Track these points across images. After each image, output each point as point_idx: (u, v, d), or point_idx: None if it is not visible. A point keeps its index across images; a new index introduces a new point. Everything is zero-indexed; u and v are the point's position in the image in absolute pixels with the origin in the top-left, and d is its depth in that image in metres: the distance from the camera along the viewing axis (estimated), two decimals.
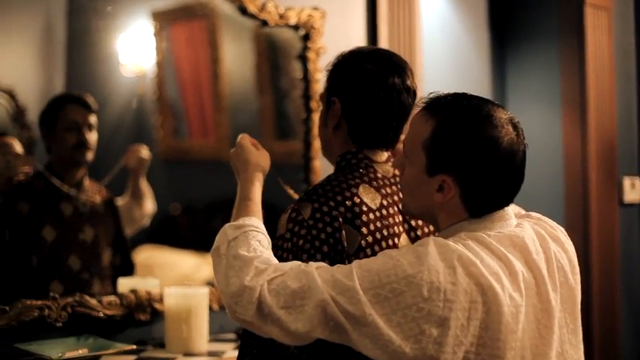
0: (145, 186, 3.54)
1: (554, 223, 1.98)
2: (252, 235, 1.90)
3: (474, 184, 1.80)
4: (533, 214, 1.99)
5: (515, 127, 1.83)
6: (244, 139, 2.26)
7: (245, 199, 2.06)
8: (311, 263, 1.82)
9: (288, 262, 1.84)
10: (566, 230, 2.01)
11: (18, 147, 3.28)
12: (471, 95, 1.88)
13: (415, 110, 1.95)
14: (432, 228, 2.15)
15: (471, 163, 1.79)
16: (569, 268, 1.90)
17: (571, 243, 1.97)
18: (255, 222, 1.96)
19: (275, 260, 1.86)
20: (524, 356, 1.75)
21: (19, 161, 3.12)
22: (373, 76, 2.13)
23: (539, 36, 4.74)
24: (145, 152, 3.51)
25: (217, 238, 1.95)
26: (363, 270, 1.73)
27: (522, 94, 4.75)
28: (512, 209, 1.93)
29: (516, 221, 1.90)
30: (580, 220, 4.49)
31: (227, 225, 1.96)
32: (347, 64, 2.19)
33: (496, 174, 1.80)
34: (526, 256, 1.81)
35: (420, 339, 1.65)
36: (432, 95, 1.89)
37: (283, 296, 1.74)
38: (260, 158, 2.19)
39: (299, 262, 1.83)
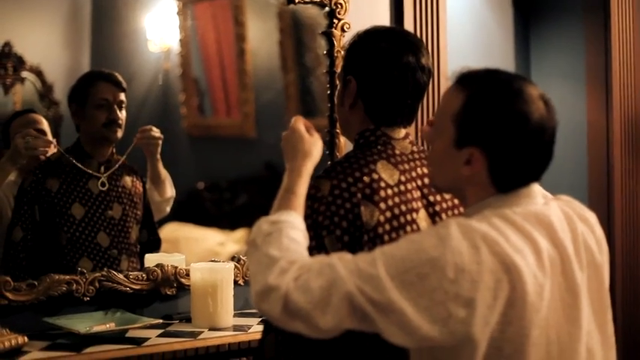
0: (163, 170, 3.53)
1: (585, 207, 1.97)
2: (285, 232, 1.86)
3: (502, 158, 1.79)
4: (563, 196, 1.98)
5: (546, 103, 1.83)
6: (298, 122, 2.12)
7: (288, 191, 1.98)
8: (334, 254, 1.81)
9: (313, 258, 1.83)
10: (590, 208, 2.00)
11: (45, 125, 3.31)
12: (503, 71, 1.88)
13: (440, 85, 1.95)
14: (449, 203, 2.16)
15: (500, 137, 1.78)
16: (597, 248, 1.90)
17: (600, 228, 1.96)
18: (292, 217, 1.91)
19: (305, 256, 1.85)
20: (549, 335, 1.74)
21: (44, 142, 3.14)
22: (388, 55, 2.15)
23: (563, 12, 4.72)
24: (155, 132, 3.48)
25: (253, 230, 1.91)
26: (386, 256, 1.72)
27: (546, 72, 4.74)
28: (539, 191, 1.92)
29: (543, 200, 1.89)
30: (604, 198, 4.48)
31: (263, 219, 1.92)
32: (362, 43, 2.21)
33: (525, 148, 1.79)
34: (552, 234, 1.80)
35: (447, 321, 1.65)
36: (463, 70, 1.89)
37: (309, 292, 1.72)
38: (312, 146, 2.08)
39: (323, 256, 1.82)
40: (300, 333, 1.78)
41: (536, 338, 1.72)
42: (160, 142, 3.47)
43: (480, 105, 1.79)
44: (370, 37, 2.21)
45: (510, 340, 1.70)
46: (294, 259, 1.80)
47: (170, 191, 3.56)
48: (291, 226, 1.88)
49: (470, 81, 1.84)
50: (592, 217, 1.94)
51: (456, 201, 2.18)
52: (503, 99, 1.79)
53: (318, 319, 1.72)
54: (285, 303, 1.74)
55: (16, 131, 3.19)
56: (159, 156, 3.49)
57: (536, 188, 1.87)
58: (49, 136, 3.26)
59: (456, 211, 2.17)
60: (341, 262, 1.75)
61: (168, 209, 3.59)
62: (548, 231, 1.79)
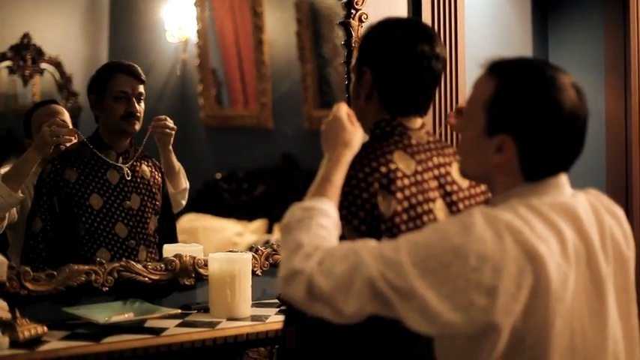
0: (176, 162, 3.51)
1: (613, 202, 1.95)
2: (316, 219, 1.87)
3: (533, 146, 1.78)
4: (592, 190, 1.97)
5: (578, 91, 1.82)
6: (341, 110, 2.11)
7: (325, 179, 1.98)
8: (359, 240, 1.82)
9: (338, 244, 1.84)
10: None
11: (67, 116, 3.32)
12: (536, 59, 1.88)
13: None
14: (467, 193, 2.16)
15: (532, 124, 1.77)
16: (624, 242, 1.89)
17: (628, 223, 1.95)
18: (325, 205, 1.91)
19: (333, 242, 1.86)
20: (573, 325, 1.74)
21: (69, 130, 3.16)
22: (402, 44, 2.16)
23: (582, 2, 4.69)
24: (169, 122, 3.45)
25: (286, 215, 1.92)
26: (410, 244, 1.72)
27: (565, 62, 4.71)
28: (567, 182, 1.91)
29: (571, 192, 1.88)
30: (622, 189, 4.46)
31: (296, 205, 1.93)
32: (376, 34, 2.22)
33: (556, 136, 1.78)
34: (578, 225, 1.79)
35: (469, 309, 1.65)
36: (495, 58, 1.88)
37: (333, 277, 1.74)
38: (353, 136, 2.08)
39: (347, 242, 1.83)
40: (324, 319, 1.78)
41: (560, 328, 1.71)
42: (173, 132, 3.45)
43: (512, 92, 1.79)
44: (384, 27, 2.21)
45: (533, 330, 1.69)
46: (320, 244, 1.81)
47: (184, 183, 3.55)
48: (323, 213, 1.89)
49: (502, 68, 1.83)
50: (620, 211, 1.93)
51: (474, 191, 2.18)
52: (535, 86, 1.78)
53: (341, 303, 1.73)
54: (308, 287, 1.75)
55: (39, 122, 3.21)
56: (171, 147, 3.48)
57: (565, 179, 1.86)
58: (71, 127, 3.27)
59: (473, 201, 2.17)
60: (365, 247, 1.76)
61: (183, 202, 3.58)
62: (575, 222, 1.79)
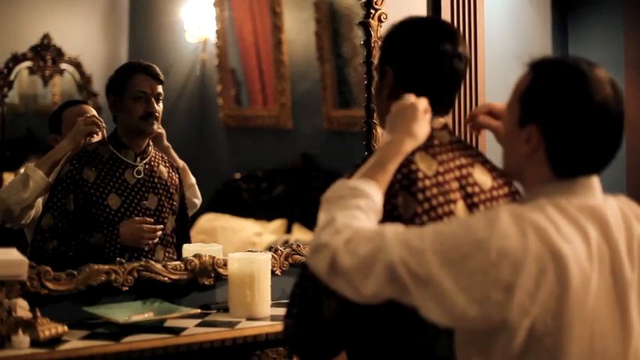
0: (178, 158, 3.51)
1: None
2: (357, 200, 1.88)
3: (560, 137, 1.78)
4: (623, 197, 1.95)
5: (614, 88, 1.82)
6: (421, 102, 2.09)
7: (379, 165, 1.98)
8: (386, 224, 1.83)
9: (366, 225, 1.84)
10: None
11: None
12: (576, 57, 1.88)
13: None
14: (488, 195, 2.14)
15: (558, 113, 1.77)
16: None
17: None
18: (371, 188, 1.92)
19: (367, 224, 1.86)
20: (593, 330, 1.72)
21: (100, 124, 3.18)
22: (424, 43, 2.15)
23: (602, 2, 4.67)
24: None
25: (332, 188, 1.94)
26: (435, 233, 1.74)
27: None
28: (599, 186, 1.89)
29: (603, 196, 1.87)
30: None
31: (344, 181, 1.94)
32: (398, 33, 2.21)
33: (585, 130, 1.78)
34: (604, 229, 1.77)
35: (485, 303, 1.65)
36: (537, 56, 1.89)
37: (356, 257, 1.76)
38: (420, 129, 2.07)
39: (376, 224, 1.85)
40: (344, 294, 1.82)
41: (579, 332, 1.70)
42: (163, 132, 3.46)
43: (544, 83, 1.80)
44: (406, 26, 2.21)
45: (551, 332, 1.68)
46: (350, 223, 1.83)
47: (191, 178, 3.55)
48: (366, 196, 1.90)
49: (539, 64, 1.85)
50: None
51: (496, 193, 2.17)
52: (566, 78, 1.79)
53: (360, 283, 1.76)
54: (332, 261, 1.78)
55: (71, 119, 3.24)
56: (168, 143, 3.48)
57: (596, 181, 1.84)
58: None
59: (495, 203, 2.15)
60: (392, 232, 1.77)
61: (196, 201, 3.56)
62: (602, 226, 1.77)
